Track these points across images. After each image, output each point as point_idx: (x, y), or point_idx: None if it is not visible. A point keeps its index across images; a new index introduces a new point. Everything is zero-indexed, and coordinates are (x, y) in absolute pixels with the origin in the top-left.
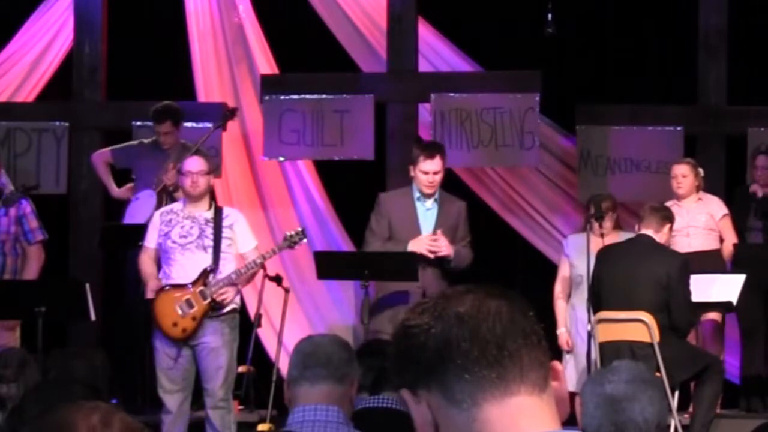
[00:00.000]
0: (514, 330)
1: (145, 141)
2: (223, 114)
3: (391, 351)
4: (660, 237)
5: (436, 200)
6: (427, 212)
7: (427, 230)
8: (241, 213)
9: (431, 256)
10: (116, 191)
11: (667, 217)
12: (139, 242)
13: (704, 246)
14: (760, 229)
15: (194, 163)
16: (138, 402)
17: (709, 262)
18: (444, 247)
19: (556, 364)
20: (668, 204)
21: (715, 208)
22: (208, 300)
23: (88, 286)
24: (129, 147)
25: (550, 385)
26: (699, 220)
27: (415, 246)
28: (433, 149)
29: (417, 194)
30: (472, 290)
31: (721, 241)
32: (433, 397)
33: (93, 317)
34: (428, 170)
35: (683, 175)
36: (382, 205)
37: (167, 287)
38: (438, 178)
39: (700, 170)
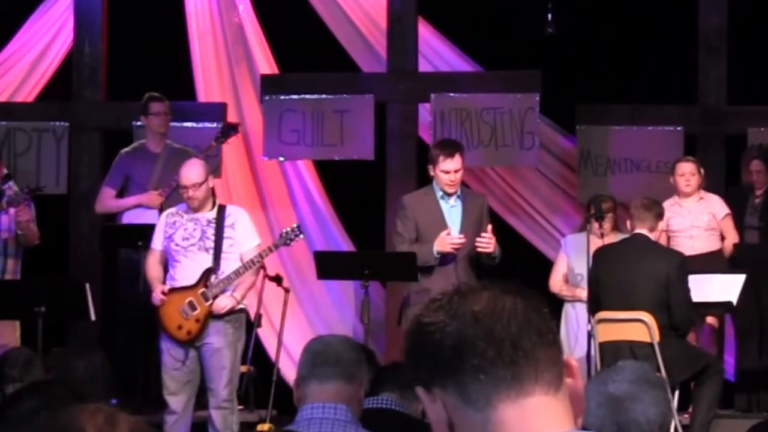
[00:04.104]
0: (529, 329)
1: (124, 151)
2: (223, 129)
3: (406, 346)
4: (655, 235)
5: (458, 197)
6: (451, 209)
7: (454, 227)
8: (243, 211)
9: (455, 252)
10: (136, 199)
11: (660, 214)
12: (138, 242)
13: (706, 248)
14: (755, 227)
15: (187, 177)
16: (137, 402)
17: (712, 263)
18: (493, 245)
19: (570, 360)
20: (668, 203)
21: (716, 207)
22: (210, 301)
23: (88, 286)
24: (116, 167)
25: (564, 383)
26: (701, 221)
27: (439, 246)
28: (452, 148)
29: (440, 193)
30: (487, 287)
31: (722, 239)
32: (449, 397)
33: (93, 317)
34: (449, 169)
35: (692, 173)
36: (407, 207)
37: (171, 291)
38: (459, 176)
39: (701, 169)
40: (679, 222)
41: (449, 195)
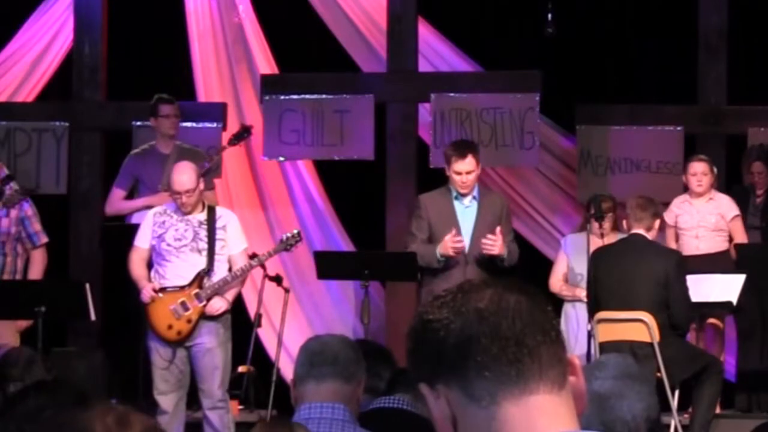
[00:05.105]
0: (533, 326)
1: (133, 153)
2: (238, 132)
3: (410, 344)
4: (652, 234)
5: (474, 197)
6: (465, 210)
7: (467, 229)
8: (233, 214)
9: (457, 255)
10: (147, 200)
11: (657, 213)
12: None
13: (712, 248)
14: (757, 227)
15: (180, 183)
16: (137, 402)
17: (716, 264)
18: (498, 247)
19: (573, 358)
20: (679, 200)
21: (726, 208)
22: (203, 303)
23: (88, 286)
24: (126, 169)
25: (568, 381)
26: (709, 221)
27: (442, 249)
28: (464, 149)
29: (455, 193)
30: (490, 284)
31: (730, 240)
32: (452, 393)
33: (93, 317)
34: (461, 170)
35: (704, 173)
36: (422, 207)
37: (162, 290)
38: (471, 177)
39: (714, 168)
40: (687, 220)
41: (464, 195)
